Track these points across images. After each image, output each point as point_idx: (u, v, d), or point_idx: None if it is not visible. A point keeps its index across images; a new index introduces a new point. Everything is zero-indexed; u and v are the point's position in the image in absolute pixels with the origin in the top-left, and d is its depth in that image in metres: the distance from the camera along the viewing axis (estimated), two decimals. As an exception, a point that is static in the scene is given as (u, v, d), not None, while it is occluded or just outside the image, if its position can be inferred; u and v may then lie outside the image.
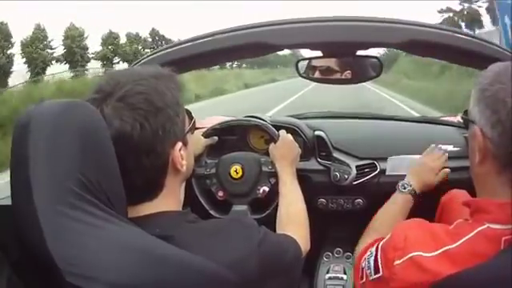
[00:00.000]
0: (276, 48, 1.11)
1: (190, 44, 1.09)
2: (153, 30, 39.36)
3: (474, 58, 1.03)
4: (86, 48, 33.86)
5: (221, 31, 1.07)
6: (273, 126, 1.40)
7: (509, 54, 1.01)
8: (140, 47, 36.57)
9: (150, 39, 38.65)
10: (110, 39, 35.07)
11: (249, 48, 1.09)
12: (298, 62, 1.32)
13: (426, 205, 1.24)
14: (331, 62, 1.24)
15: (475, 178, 0.85)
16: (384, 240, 0.88)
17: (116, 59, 35.34)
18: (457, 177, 1.28)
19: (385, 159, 1.44)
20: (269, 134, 1.39)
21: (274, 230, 1.07)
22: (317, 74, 1.29)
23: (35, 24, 30.74)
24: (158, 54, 1.12)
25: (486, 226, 0.75)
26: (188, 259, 0.67)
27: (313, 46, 1.15)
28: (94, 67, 31.85)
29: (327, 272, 1.42)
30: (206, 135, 1.38)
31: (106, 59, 34.41)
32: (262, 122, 1.42)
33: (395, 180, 1.31)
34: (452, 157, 1.38)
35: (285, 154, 1.27)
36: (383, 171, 1.44)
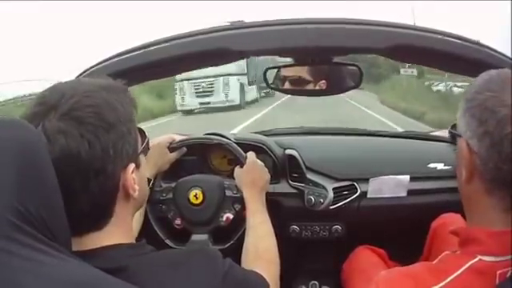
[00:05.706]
0: (240, 55, 1.03)
1: (142, 51, 1.01)
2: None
3: (467, 64, 0.98)
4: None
5: (177, 36, 1.00)
6: (238, 144, 1.33)
7: (508, 59, 0.96)
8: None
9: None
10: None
11: (209, 55, 1.02)
12: (266, 70, 1.25)
13: (414, 231, 1.21)
14: (304, 71, 1.18)
15: (463, 198, 0.80)
16: None
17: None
18: (448, 199, 1.24)
19: (366, 180, 1.38)
20: (233, 155, 1.31)
21: (239, 264, 1.02)
22: (287, 85, 1.22)
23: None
24: (106, 62, 1.04)
25: (477, 259, 0.70)
26: None
27: (283, 52, 1.08)
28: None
29: None
30: (172, 150, 1.32)
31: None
32: (225, 140, 1.34)
33: (378, 203, 1.29)
34: (443, 176, 1.35)
35: (254, 179, 1.20)
36: (364, 194, 1.38)
